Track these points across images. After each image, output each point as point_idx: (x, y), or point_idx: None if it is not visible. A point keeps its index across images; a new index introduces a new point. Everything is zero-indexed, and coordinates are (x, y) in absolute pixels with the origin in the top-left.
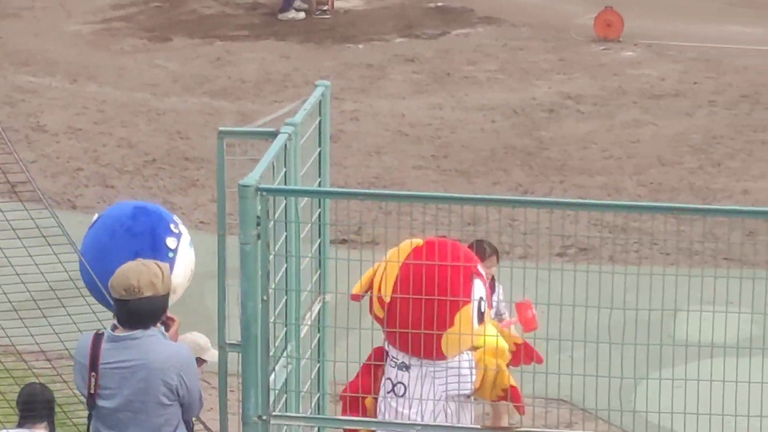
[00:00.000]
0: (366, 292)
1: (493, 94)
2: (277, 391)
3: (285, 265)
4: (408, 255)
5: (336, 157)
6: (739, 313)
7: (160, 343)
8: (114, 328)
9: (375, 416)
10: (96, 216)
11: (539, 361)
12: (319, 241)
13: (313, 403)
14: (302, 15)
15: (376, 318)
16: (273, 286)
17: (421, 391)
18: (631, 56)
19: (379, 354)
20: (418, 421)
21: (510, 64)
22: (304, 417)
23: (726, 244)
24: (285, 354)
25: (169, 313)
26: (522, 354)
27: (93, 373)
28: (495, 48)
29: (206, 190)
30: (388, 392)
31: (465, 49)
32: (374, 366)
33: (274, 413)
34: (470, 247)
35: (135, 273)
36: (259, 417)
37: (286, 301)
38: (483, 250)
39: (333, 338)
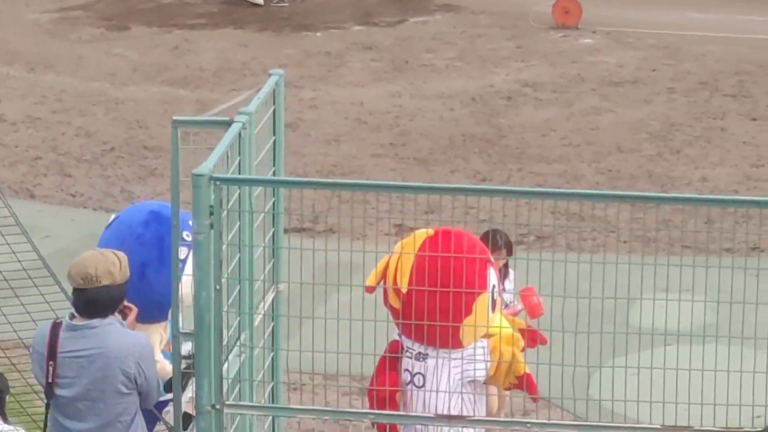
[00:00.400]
0: (379, 282)
1: (451, 82)
2: (230, 381)
3: (238, 255)
4: (421, 245)
5: (294, 145)
6: (692, 301)
7: (118, 332)
8: (72, 317)
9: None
10: (113, 216)
11: (543, 342)
12: (273, 230)
13: (266, 393)
14: (260, 0)
15: (391, 308)
16: (226, 276)
17: (439, 381)
18: (590, 43)
19: (396, 347)
20: (441, 409)
21: (468, 52)
22: (257, 406)
23: (683, 232)
24: (238, 343)
25: (126, 302)
26: (527, 338)
27: (51, 362)
28: (453, 36)
29: (165, 179)
30: (408, 383)
31: (423, 37)
32: (397, 360)
33: (227, 402)
34: (483, 237)
35: (92, 262)
36: (213, 406)
37: (240, 290)
38: (495, 242)
39: (287, 328)
